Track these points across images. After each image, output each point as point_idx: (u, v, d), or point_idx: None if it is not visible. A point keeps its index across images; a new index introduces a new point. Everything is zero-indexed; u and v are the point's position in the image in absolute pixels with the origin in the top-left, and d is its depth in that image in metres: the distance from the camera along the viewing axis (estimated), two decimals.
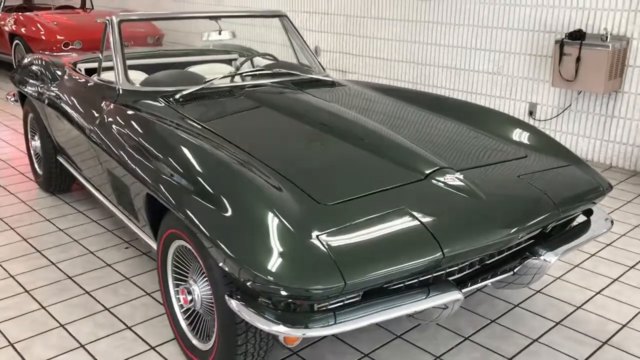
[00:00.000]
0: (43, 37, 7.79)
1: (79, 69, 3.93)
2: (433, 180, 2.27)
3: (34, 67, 4.21)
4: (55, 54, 4.87)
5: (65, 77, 3.77)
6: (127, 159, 2.62)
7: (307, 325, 1.87)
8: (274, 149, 2.50)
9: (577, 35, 4.82)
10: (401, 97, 3.37)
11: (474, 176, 2.34)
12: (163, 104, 3.00)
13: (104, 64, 4.11)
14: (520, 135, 2.86)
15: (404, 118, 2.97)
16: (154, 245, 2.70)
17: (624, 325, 2.80)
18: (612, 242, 3.65)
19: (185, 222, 2.10)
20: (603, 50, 4.66)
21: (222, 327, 2.13)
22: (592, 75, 4.77)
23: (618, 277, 3.24)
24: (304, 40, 3.89)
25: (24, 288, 3.06)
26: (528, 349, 2.61)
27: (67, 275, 3.19)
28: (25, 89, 4.15)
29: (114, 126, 2.90)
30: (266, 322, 1.87)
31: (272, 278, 1.80)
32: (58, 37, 7.71)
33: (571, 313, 2.89)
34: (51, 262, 3.33)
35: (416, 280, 2.08)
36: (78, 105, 3.38)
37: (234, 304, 1.98)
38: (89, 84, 3.47)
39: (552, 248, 2.34)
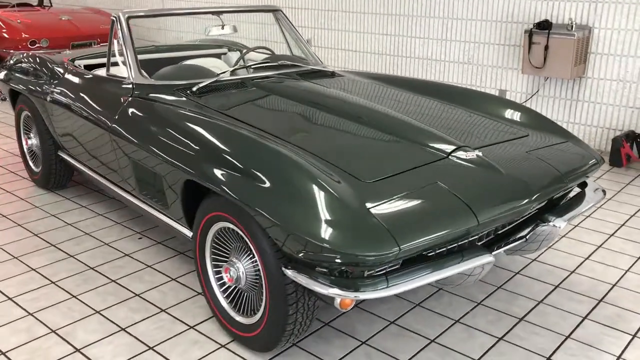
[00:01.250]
0: (6, 36, 7.65)
1: (79, 65, 3.98)
2: (455, 158, 2.49)
3: (27, 65, 4.22)
4: (41, 52, 4.87)
5: (69, 73, 3.82)
6: (161, 149, 2.73)
7: (363, 288, 2.06)
8: (302, 134, 2.68)
9: (545, 25, 5.17)
10: (399, 85, 3.59)
11: (489, 153, 2.58)
12: (181, 97, 3.12)
13: (105, 60, 4.19)
14: (517, 116, 3.13)
15: (410, 103, 3.20)
16: (186, 231, 2.83)
17: (614, 285, 3.11)
18: (590, 214, 3.99)
19: (238, 203, 2.26)
20: (569, 39, 5.02)
21: (274, 299, 2.30)
22: (559, 62, 5.12)
23: (601, 244, 3.56)
24: (299, 34, 4.06)
25: (49, 280, 3.13)
26: (536, 309, 2.88)
27: (89, 266, 3.27)
28: (20, 87, 4.17)
29: (138, 119, 3.01)
30: (326, 287, 2.06)
31: (332, 247, 1.98)
32: (23, 35, 7.59)
33: (566, 277, 3.19)
34: (69, 254, 3.41)
35: (450, 247, 2.30)
36: (90, 101, 3.45)
37: (290, 273, 2.16)
38: (98, 80, 3.54)
39: (559, 215, 2.61)
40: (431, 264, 2.16)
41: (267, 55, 4.23)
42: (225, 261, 2.61)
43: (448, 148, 2.56)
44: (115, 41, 3.50)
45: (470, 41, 5.98)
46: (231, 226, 2.47)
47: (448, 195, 2.24)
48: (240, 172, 2.30)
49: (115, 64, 3.49)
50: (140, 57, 4.38)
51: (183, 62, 4.10)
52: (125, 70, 3.41)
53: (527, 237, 2.59)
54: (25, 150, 4.46)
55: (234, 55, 4.73)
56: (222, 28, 3.79)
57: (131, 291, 3.03)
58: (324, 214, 2.08)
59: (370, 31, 6.74)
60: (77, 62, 4.10)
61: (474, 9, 5.88)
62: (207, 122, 2.68)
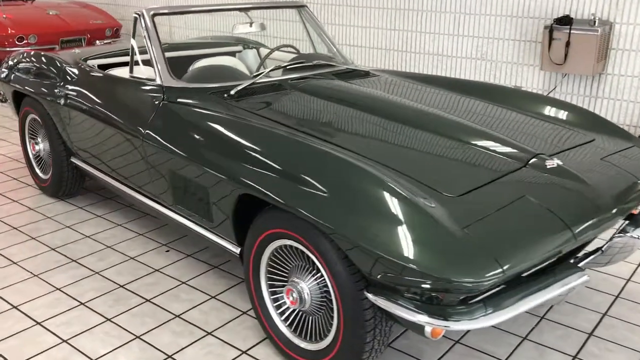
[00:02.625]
0: None
1: (93, 66, 3.71)
2: (534, 167, 2.32)
3: (34, 65, 3.94)
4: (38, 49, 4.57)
5: (85, 74, 3.55)
6: (209, 159, 2.51)
7: (457, 316, 1.88)
8: (365, 143, 2.48)
9: (566, 21, 5.03)
10: (440, 85, 3.41)
11: (565, 161, 2.42)
12: (220, 101, 2.90)
13: (119, 59, 3.93)
14: (575, 118, 2.97)
15: (462, 106, 3.02)
16: (232, 248, 2.62)
17: None
18: None
19: (310, 221, 2.05)
20: (592, 35, 4.89)
21: (349, 325, 2.11)
22: (581, 59, 5.00)
23: None
24: (326, 32, 3.84)
25: (77, 300, 2.89)
26: (602, 322, 2.74)
27: (118, 284, 3.03)
28: (27, 89, 3.88)
29: (176, 125, 2.77)
30: (416, 314, 1.88)
31: (425, 270, 1.80)
32: (10, 31, 7.21)
33: (624, 286, 3.06)
34: (93, 270, 3.16)
35: (541, 267, 2.14)
36: (113, 105, 3.20)
37: (373, 297, 1.97)
38: (121, 82, 3.28)
39: (637, 225, 2.46)
40: (530, 287, 1.99)
41: (293, 54, 4.01)
42: (283, 281, 2.40)
43: (524, 156, 2.38)
44: (133, 40, 3.26)
45: (483, 36, 5.83)
46: (294, 244, 2.27)
47: (541, 209, 2.07)
48: (312, 187, 2.10)
49: (136, 63, 3.24)
50: (140, 57, 4.14)
51: (197, 61, 3.86)
52: (151, 72, 3.17)
53: (603, 249, 2.44)
54: (31, 156, 4.17)
55: (250, 54, 4.50)
56: (250, 26, 3.57)
57: (170, 312, 2.80)
58: (414, 233, 1.89)
59: (377, 26, 6.54)
60: (89, 62, 3.83)
61: (487, 3, 5.73)
62: (264, 131, 2.46)
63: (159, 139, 2.81)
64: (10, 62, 4.23)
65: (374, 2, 6.50)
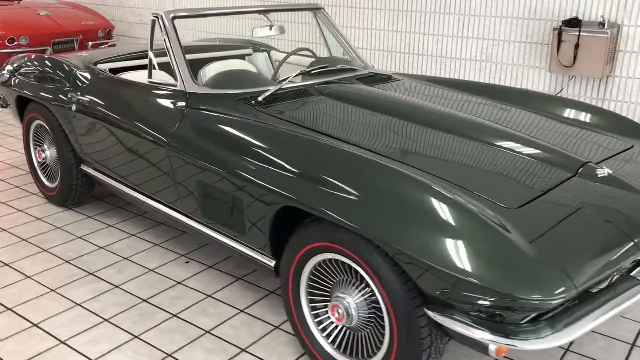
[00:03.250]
0: None
1: (104, 70, 3.58)
2: (584, 176, 2.26)
3: (39, 69, 3.78)
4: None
5: (98, 79, 3.42)
6: (246, 170, 2.40)
7: (524, 335, 1.81)
8: (410, 152, 2.40)
9: (575, 23, 5.01)
10: (466, 89, 3.34)
11: (613, 169, 2.36)
12: (248, 107, 2.80)
13: (132, 63, 3.81)
14: (610, 123, 2.92)
15: (498, 113, 2.95)
16: (267, 261, 2.52)
17: None
18: None
19: (361, 234, 1.97)
20: (602, 37, 4.87)
21: (404, 342, 2.02)
22: (590, 61, 4.98)
23: None
24: (343, 35, 3.76)
25: (100, 317, 2.76)
26: None
27: (141, 299, 2.91)
28: (34, 94, 3.73)
29: (206, 134, 2.66)
30: (482, 332, 1.81)
31: (492, 287, 1.73)
32: (0, 32, 7.01)
33: None
34: (113, 284, 3.03)
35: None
36: (133, 112, 3.07)
37: (434, 315, 1.90)
38: (140, 88, 3.16)
39: None
40: (596, 303, 1.92)
41: (309, 58, 3.92)
42: (325, 296, 2.31)
43: (573, 165, 2.32)
44: (151, 44, 3.14)
45: (488, 38, 5.79)
46: (340, 258, 2.18)
47: (600, 221, 2.01)
48: (365, 200, 2.01)
49: (139, 67, 3.13)
50: (159, 60, 4.02)
51: (207, 65, 3.75)
52: (171, 77, 3.05)
53: None
54: (36, 164, 4.02)
55: (261, 57, 4.39)
56: (270, 29, 3.47)
57: (199, 328, 2.69)
58: (479, 248, 1.81)
59: (379, 28, 6.47)
60: (100, 66, 3.70)
61: (492, 5, 5.69)
62: (305, 140, 2.37)
63: (187, 148, 2.69)
64: (13, 66, 4.07)
65: (375, 3, 6.43)
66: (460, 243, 1.83)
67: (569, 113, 3.04)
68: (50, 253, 3.34)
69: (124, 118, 3.10)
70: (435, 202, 1.92)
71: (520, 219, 1.95)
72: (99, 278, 3.09)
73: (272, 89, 2.92)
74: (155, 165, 2.92)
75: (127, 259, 3.29)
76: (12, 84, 3.96)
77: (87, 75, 3.49)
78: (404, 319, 2.00)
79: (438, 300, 1.91)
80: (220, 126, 2.65)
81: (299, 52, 3.84)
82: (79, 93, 3.43)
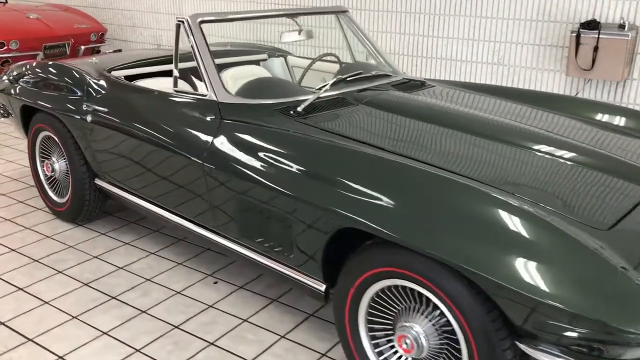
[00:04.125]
0: None
1: (119, 77, 3.35)
2: None
3: (48, 76, 3.54)
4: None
5: (116, 88, 3.19)
6: (297, 188, 2.21)
7: None
8: (478, 167, 2.22)
9: (593, 25, 4.90)
10: (504, 95, 3.20)
11: None
12: (288, 119, 2.60)
13: (147, 69, 3.61)
14: None
15: (552, 122, 2.79)
16: (316, 285, 2.33)
17: None
18: None
19: (439, 259, 1.80)
20: (622, 39, 4.77)
21: None
22: (610, 64, 4.87)
23: None
24: (369, 39, 3.58)
25: (131, 347, 2.55)
26: None
27: (171, 325, 2.71)
28: (41, 104, 3.49)
29: (247, 149, 2.46)
30: None
31: (596, 316, 1.58)
32: None
33: None
34: (139, 309, 2.82)
35: None
36: (159, 124, 2.85)
37: (525, 347, 1.74)
38: (165, 98, 2.95)
39: None
40: None
41: (332, 64, 3.74)
42: (386, 324, 2.13)
43: None
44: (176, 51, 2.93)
45: (501, 41, 5.66)
46: (408, 284, 2.00)
47: None
48: (440, 222, 1.84)
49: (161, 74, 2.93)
50: (167, 67, 3.81)
51: (222, 71, 3.55)
52: (200, 86, 2.85)
53: None
54: (43, 177, 3.78)
55: (277, 62, 4.20)
56: (299, 34, 3.28)
57: (240, 357, 2.49)
58: (580, 274, 1.66)
59: (386, 30, 6.31)
60: (114, 73, 3.47)
61: (505, 7, 5.56)
62: (362, 154, 2.18)
63: (226, 164, 2.49)
64: (15, 73, 3.82)
65: (383, 5, 6.27)
66: (557, 268, 1.67)
67: (619, 120, 2.90)
68: (66, 275, 3.11)
69: (148, 130, 2.89)
70: (526, 224, 1.76)
71: (615, 241, 1.80)
72: (123, 302, 2.88)
73: (311, 98, 2.73)
74: (187, 180, 2.72)
75: (149, 280, 3.08)
76: (16, 92, 3.72)
77: (103, 83, 3.27)
78: (486, 351, 1.83)
79: (528, 331, 1.75)
80: (264, 140, 2.46)
81: (323, 58, 3.66)
82: (94, 103, 3.20)
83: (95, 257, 3.30)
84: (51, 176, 3.70)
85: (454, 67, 5.98)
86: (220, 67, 3.71)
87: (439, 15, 5.94)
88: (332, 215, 2.11)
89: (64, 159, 3.56)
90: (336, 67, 3.75)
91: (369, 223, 1.98)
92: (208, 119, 2.70)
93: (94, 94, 3.24)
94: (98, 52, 7.77)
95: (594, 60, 4.92)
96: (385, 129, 2.55)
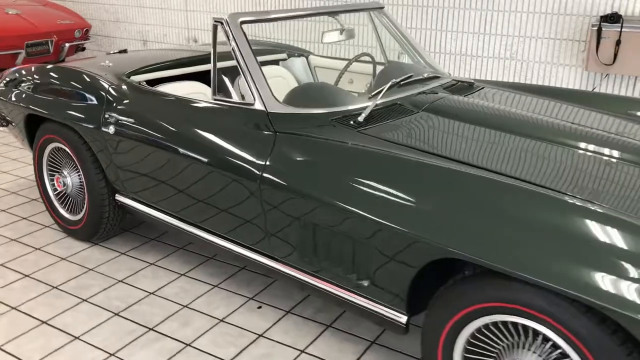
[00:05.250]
0: None
1: (141, 83, 3.05)
2: None
3: (59, 82, 3.21)
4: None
5: (144, 96, 2.89)
6: (377, 211, 1.97)
7: None
8: (564, 178, 2.01)
9: (615, 18, 4.76)
10: (557, 97, 3.01)
11: None
12: (350, 130, 2.36)
13: (167, 73, 3.32)
14: None
15: (620, 126, 2.61)
16: (394, 316, 2.11)
17: None
18: None
19: (563, 294, 1.59)
20: None
21: None
22: (632, 58, 4.74)
23: None
24: (407, 37, 3.34)
25: None
26: None
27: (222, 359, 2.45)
28: (53, 113, 3.16)
29: (313, 166, 2.21)
30: None
31: None
32: None
33: None
34: (182, 342, 2.55)
35: None
36: (197, 136, 2.58)
37: None
38: (204, 107, 2.67)
39: None
40: None
41: (362, 64, 3.50)
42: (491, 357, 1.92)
43: None
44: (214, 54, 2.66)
45: (513, 35, 5.49)
46: (518, 320, 1.79)
47: None
48: (564, 250, 1.63)
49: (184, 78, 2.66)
50: (188, 69, 3.51)
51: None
52: (240, 94, 2.59)
53: None
54: (52, 193, 3.45)
55: (298, 62, 3.94)
56: (341, 33, 3.03)
57: None
58: None
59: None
60: (134, 78, 3.16)
61: (517, 0, 5.39)
62: (459, 174, 1.95)
63: (288, 184, 2.22)
64: (17, 78, 3.48)
65: None
66: None
67: None
68: (92, 303, 2.82)
69: (184, 144, 2.61)
70: None
71: None
72: (163, 334, 2.60)
73: (370, 106, 2.48)
74: (237, 201, 2.45)
75: (186, 306, 2.80)
76: (20, 99, 3.38)
77: (126, 90, 2.96)
78: None
79: None
80: (331, 155, 2.21)
81: (359, 59, 3.41)
82: (117, 112, 2.90)
83: (121, 281, 3.01)
84: (62, 192, 3.37)
85: (464, 63, 5.79)
86: (236, 70, 3.45)
87: (447, 8, 5.73)
88: (424, 245, 1.88)
89: (78, 172, 3.25)
90: (365, 67, 3.52)
91: (475, 257, 1.76)
92: (259, 131, 2.43)
93: (116, 103, 2.93)
94: (83, 49, 7.37)
95: (615, 55, 4.78)
96: (458, 139, 2.33)
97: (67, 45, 6.90)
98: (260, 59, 3.85)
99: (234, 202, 2.46)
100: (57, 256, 3.24)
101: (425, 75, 2.91)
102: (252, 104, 2.51)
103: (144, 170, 2.83)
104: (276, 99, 2.49)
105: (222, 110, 2.60)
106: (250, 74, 2.52)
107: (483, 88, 3.06)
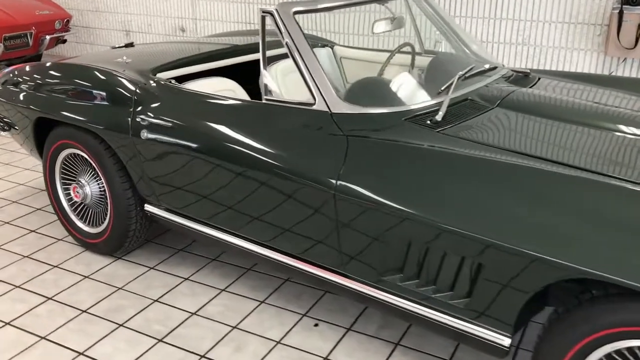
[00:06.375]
0: None
1: (169, 81, 2.75)
2: None
3: (76, 81, 2.88)
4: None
5: (180, 97, 2.60)
6: (484, 227, 1.75)
7: None
8: None
9: (638, 1, 4.62)
10: (619, 86, 2.82)
11: None
12: (430, 131, 2.13)
13: (195, 68, 3.04)
14: None
15: None
16: (494, 339, 1.90)
17: None
18: None
19: None
20: None
21: None
22: None
23: None
24: (452, 24, 3.11)
25: None
26: None
27: None
28: (71, 116, 2.84)
29: (398, 174, 1.97)
30: None
31: None
32: None
33: None
34: None
35: None
36: (250, 140, 2.31)
37: None
38: (255, 108, 2.40)
39: None
40: None
41: (404, 55, 3.26)
42: None
43: None
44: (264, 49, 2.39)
45: (525, 19, 5.31)
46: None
47: None
48: None
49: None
50: (213, 64, 3.22)
51: (269, 65, 3.02)
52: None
53: None
54: (66, 204, 3.13)
55: (323, 53, 3.67)
56: (392, 22, 2.78)
57: None
58: None
59: (402, 11, 5.83)
60: (160, 75, 2.86)
61: None
62: (576, 180, 1.74)
63: (372, 194, 1.98)
64: (20, 78, 3.13)
65: None
66: None
67: None
68: (130, 329, 2.54)
69: (234, 150, 2.33)
70: None
71: None
72: None
73: (445, 102, 2.25)
74: (303, 211, 2.19)
75: (236, 327, 2.55)
76: (26, 101, 3.04)
77: (157, 90, 2.66)
78: None
79: None
80: (422, 161, 1.98)
81: (402, 49, 3.17)
82: (150, 115, 2.60)
83: (157, 300, 2.73)
84: (80, 203, 3.06)
85: None
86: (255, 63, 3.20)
87: None
88: (547, 266, 1.66)
89: (98, 181, 2.94)
90: (401, 58, 3.27)
91: (616, 277, 1.55)
92: (326, 135, 2.18)
93: (148, 104, 2.63)
94: (64, 42, 6.93)
95: (637, 38, 4.65)
96: (547, 137, 2.12)
97: (47, 37, 6.47)
98: (280, 50, 3.57)
99: (299, 214, 2.20)
100: (79, 274, 2.94)
101: (487, 66, 2.69)
102: (312, 104, 2.25)
103: (184, 179, 2.55)
104: (339, 98, 2.24)
105: (275, 112, 2.34)
106: (309, 70, 2.26)
107: (540, 79, 2.86)
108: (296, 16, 2.34)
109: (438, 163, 1.96)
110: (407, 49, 3.19)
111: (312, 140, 2.20)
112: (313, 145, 2.18)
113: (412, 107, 2.27)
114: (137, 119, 2.62)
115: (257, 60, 3.39)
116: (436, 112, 2.24)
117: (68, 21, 6.76)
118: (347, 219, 2.06)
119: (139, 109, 2.64)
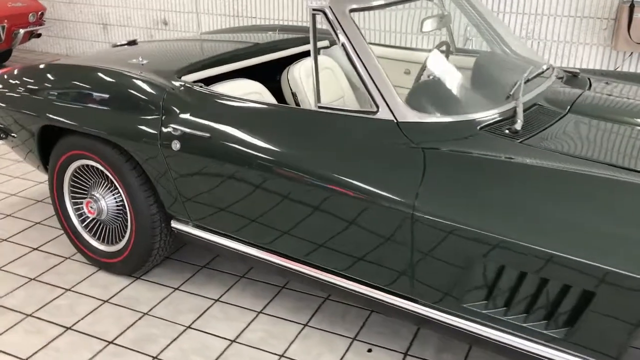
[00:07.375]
0: None
1: (198, 84, 2.49)
2: None
3: (91, 85, 2.59)
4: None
5: (215, 103, 2.34)
6: (596, 255, 1.58)
7: None
8: None
9: None
10: None
11: None
12: (510, 141, 1.94)
13: (220, 69, 2.80)
14: None
15: None
16: None
17: None
18: None
19: None
20: None
21: None
22: None
23: None
24: (488, 21, 2.93)
25: None
26: None
27: None
28: (83, 124, 2.55)
29: (479, 188, 1.78)
30: None
31: None
32: None
33: None
34: None
35: None
36: (306, 152, 2.08)
37: None
38: (308, 116, 2.17)
39: None
40: None
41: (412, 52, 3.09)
42: None
43: None
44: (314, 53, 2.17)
45: (530, 13, 5.19)
46: None
47: None
48: None
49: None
50: (223, 68, 2.96)
51: (291, 66, 2.82)
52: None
53: None
54: (76, 220, 2.84)
55: (338, 51, 3.43)
56: (441, 19, 2.58)
57: None
58: None
59: (405, 6, 5.64)
60: (185, 78, 2.60)
61: None
62: None
63: (463, 217, 1.78)
64: (24, 80, 2.82)
65: None
66: None
67: None
68: None
69: (284, 163, 2.10)
70: None
71: None
72: None
73: (519, 110, 2.07)
74: (370, 234, 1.98)
75: (283, 356, 2.33)
76: (30, 107, 2.73)
77: (189, 96, 2.40)
78: None
79: None
80: (514, 177, 1.79)
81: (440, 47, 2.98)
82: (182, 123, 2.34)
83: (189, 327, 2.49)
84: (94, 219, 2.78)
85: (477, 44, 5.44)
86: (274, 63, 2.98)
87: None
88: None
89: (115, 194, 2.67)
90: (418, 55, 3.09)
91: None
92: (396, 146, 1.97)
93: (179, 112, 2.36)
94: (39, 35, 6.52)
95: None
96: (630, 145, 1.96)
97: (21, 31, 6.05)
98: (299, 49, 3.34)
99: (363, 235, 1.99)
100: (96, 298, 2.67)
101: (544, 67, 2.52)
102: (375, 112, 2.04)
103: (224, 195, 2.30)
104: (407, 105, 2.03)
105: (330, 121, 2.11)
106: (369, 74, 2.05)
107: (590, 79, 2.71)
108: (352, 14, 2.12)
109: (532, 179, 1.78)
110: (442, 47, 3.01)
111: (377, 152, 1.98)
112: (379, 158, 1.97)
113: (485, 114, 2.07)
114: (168, 128, 2.35)
115: (277, 60, 3.16)
116: (509, 119, 2.06)
117: (42, 14, 6.35)
118: (425, 242, 1.86)
119: (169, 116, 2.37)
